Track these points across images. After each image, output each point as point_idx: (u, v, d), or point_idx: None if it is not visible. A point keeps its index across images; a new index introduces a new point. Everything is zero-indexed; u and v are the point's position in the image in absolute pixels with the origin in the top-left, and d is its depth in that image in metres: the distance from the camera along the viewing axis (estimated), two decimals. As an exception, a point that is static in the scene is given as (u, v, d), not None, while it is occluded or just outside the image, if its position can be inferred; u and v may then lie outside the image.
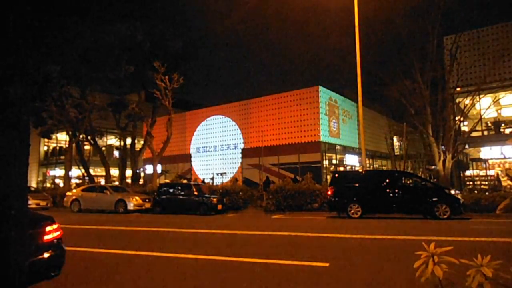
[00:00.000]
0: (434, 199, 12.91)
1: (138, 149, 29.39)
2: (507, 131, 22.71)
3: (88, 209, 18.86)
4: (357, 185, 14.33)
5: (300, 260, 5.89)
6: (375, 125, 33.03)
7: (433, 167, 24.69)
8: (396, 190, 13.50)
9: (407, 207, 13.42)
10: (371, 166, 32.59)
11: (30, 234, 3.66)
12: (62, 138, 37.60)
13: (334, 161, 28.75)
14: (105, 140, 35.99)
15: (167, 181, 25.40)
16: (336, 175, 15.63)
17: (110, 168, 27.70)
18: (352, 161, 30.25)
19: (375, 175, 16.64)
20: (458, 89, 20.65)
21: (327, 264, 5.59)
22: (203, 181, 26.33)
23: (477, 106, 21.90)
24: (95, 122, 27.87)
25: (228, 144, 31.17)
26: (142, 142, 30.50)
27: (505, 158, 22.72)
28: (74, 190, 21.11)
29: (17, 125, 1.81)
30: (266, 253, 6.71)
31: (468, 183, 24.11)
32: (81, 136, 27.25)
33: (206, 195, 17.02)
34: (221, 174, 27.84)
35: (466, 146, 22.36)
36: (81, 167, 29.12)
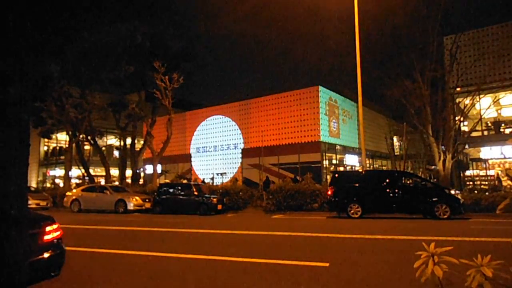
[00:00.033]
0: (434, 199, 12.91)
1: (138, 149, 29.39)
2: (507, 131, 22.71)
3: (88, 209, 18.86)
4: (357, 185, 14.33)
5: (300, 260, 5.89)
6: (375, 125, 33.02)
7: (433, 167, 24.70)
8: (396, 190, 13.50)
9: (407, 207, 13.42)
10: (371, 166, 32.59)
11: (30, 234, 3.66)
12: (62, 138, 37.59)
13: (334, 161, 28.74)
14: (105, 140, 35.98)
15: (167, 181, 25.40)
16: (336, 175, 15.64)
17: (110, 168, 27.70)
18: (352, 161, 30.25)
19: (375, 175, 16.65)
20: (458, 89, 20.65)
21: (327, 264, 5.59)
22: (203, 181, 26.33)
23: (477, 106, 21.90)
24: (95, 122, 27.87)
25: (228, 144, 31.17)
26: (142, 142, 30.50)
27: (505, 158, 22.72)
28: (74, 190, 21.11)
29: (17, 125, 1.81)
30: (266, 253, 6.71)
31: (468, 183, 24.10)
32: (81, 136, 27.25)
33: (206, 195, 17.02)
34: (221, 174, 27.84)
35: (466, 146, 22.36)
36: (81, 167, 29.12)
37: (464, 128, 23.66)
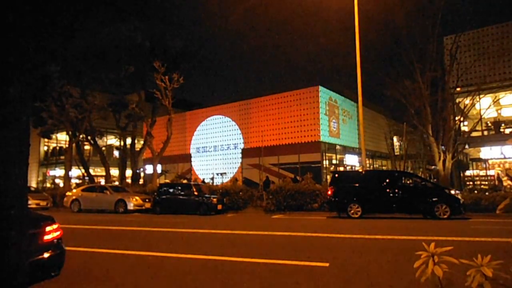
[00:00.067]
0: (434, 199, 12.91)
1: (138, 149, 29.39)
2: (507, 131, 22.71)
3: (88, 209, 18.86)
4: (357, 185, 14.33)
5: (300, 260, 5.89)
6: (375, 125, 33.03)
7: (433, 167, 24.69)
8: (396, 190, 13.50)
9: (407, 207, 13.42)
10: (371, 166, 32.59)
11: (30, 234, 3.66)
12: (62, 138, 37.59)
13: (334, 161, 28.75)
14: (105, 140, 35.98)
15: (167, 181, 25.40)
16: (336, 175, 15.63)
17: (110, 168, 27.70)
18: (352, 161, 30.25)
19: (375, 175, 16.64)
20: (458, 89, 20.66)
21: (327, 264, 5.59)
22: (203, 181, 26.34)
23: (477, 106, 21.90)
24: (95, 122, 27.87)
25: (228, 144, 31.18)
26: (142, 142, 30.50)
27: (505, 158, 22.72)
28: (74, 190, 21.12)
29: (17, 125, 1.81)
30: (266, 253, 6.71)
31: (468, 183, 24.11)
32: (81, 136, 27.25)
33: (206, 195, 17.02)
34: (221, 174, 27.85)
35: (466, 146, 22.37)
36: (81, 167, 29.13)
37: (464, 128, 23.66)
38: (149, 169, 31.30)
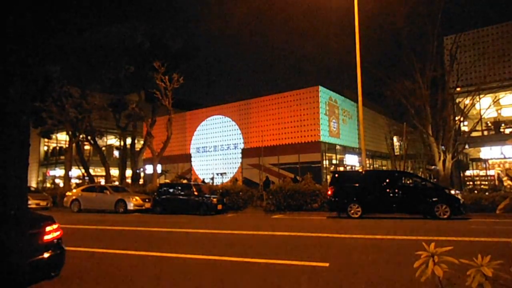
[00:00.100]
0: (434, 199, 12.91)
1: (138, 149, 29.38)
2: (507, 131, 22.71)
3: (88, 209, 18.86)
4: (357, 185, 14.32)
5: (300, 260, 5.89)
6: (375, 125, 33.02)
7: (433, 167, 24.69)
8: (396, 190, 13.50)
9: (407, 207, 13.42)
10: (371, 166, 32.59)
11: (30, 234, 3.66)
12: (62, 138, 37.60)
13: (334, 161, 28.74)
14: (105, 140, 35.98)
15: (167, 181, 25.40)
16: (336, 175, 15.63)
17: (110, 168, 27.70)
18: (352, 161, 30.25)
19: (375, 175, 16.64)
20: (458, 89, 20.65)
21: (327, 264, 5.59)
22: (203, 181, 26.34)
23: (477, 106, 21.90)
24: (95, 122, 27.87)
25: (228, 144, 31.18)
26: (142, 142, 30.49)
27: (505, 158, 22.72)
28: (74, 190, 21.11)
29: (17, 125, 1.81)
30: (266, 253, 6.71)
31: (468, 183, 24.10)
32: (81, 136, 27.25)
33: (206, 195, 17.02)
34: (221, 174, 27.84)
35: (466, 146, 22.36)
36: (81, 167, 29.13)
37: (464, 128, 23.66)
38: (149, 169, 31.30)
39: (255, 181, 26.47)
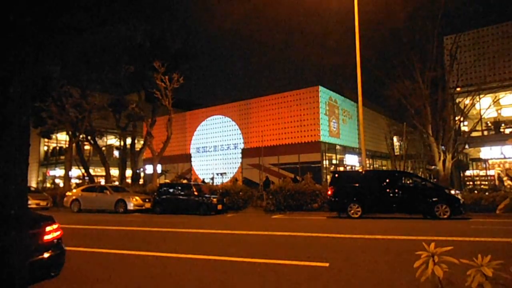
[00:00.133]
0: (434, 199, 12.91)
1: (138, 149, 29.37)
2: (507, 131, 22.72)
3: (88, 209, 18.86)
4: (357, 185, 14.32)
5: (300, 260, 5.89)
6: (375, 125, 33.02)
7: (433, 167, 24.69)
8: (396, 190, 13.50)
9: (407, 207, 13.42)
10: (371, 166, 32.59)
11: (30, 234, 3.66)
12: (62, 138, 37.60)
13: (334, 161, 28.74)
14: (105, 140, 35.99)
15: (167, 181, 25.40)
16: (336, 175, 15.63)
17: (110, 168, 27.70)
18: (352, 161, 30.25)
19: (375, 175, 16.64)
20: (458, 89, 20.66)
21: (327, 264, 5.59)
22: (203, 181, 26.34)
23: (477, 106, 21.90)
24: (95, 122, 27.87)
25: (228, 144, 31.18)
26: (142, 142, 30.50)
27: (505, 158, 22.72)
28: (74, 190, 21.11)
29: (17, 125, 1.81)
30: (266, 253, 6.71)
31: (468, 183, 24.11)
32: (81, 136, 27.25)
33: (206, 195, 17.02)
34: (221, 174, 27.85)
35: (466, 146, 22.36)
36: (81, 167, 29.13)
37: (464, 128, 23.66)
38: (149, 169, 31.30)
39: (255, 181, 26.47)
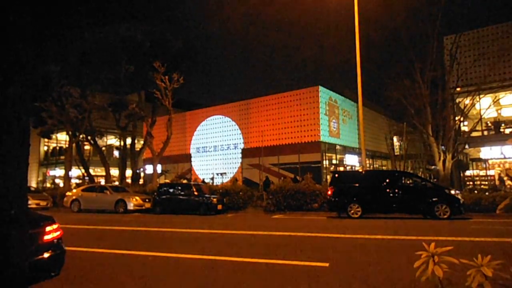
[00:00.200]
0: (434, 199, 12.91)
1: (138, 149, 29.37)
2: (507, 131, 22.72)
3: (88, 209, 18.86)
4: (357, 185, 14.32)
5: (300, 260, 5.89)
6: (375, 125, 33.03)
7: (433, 167, 24.71)
8: (396, 190, 13.50)
9: (407, 207, 13.42)
10: (371, 166, 32.60)
11: (30, 234, 3.66)
12: (62, 138, 37.60)
13: (334, 161, 28.75)
14: (105, 140, 35.99)
15: (167, 181, 25.40)
16: (336, 175, 15.62)
17: (110, 168, 27.70)
18: (352, 161, 30.25)
19: (375, 175, 16.64)
20: (458, 89, 20.66)
21: (327, 264, 5.59)
22: (203, 181, 26.34)
23: (477, 106, 21.90)
24: (95, 122, 27.87)
25: (228, 144, 31.18)
26: (142, 142, 30.50)
27: (505, 158, 22.72)
28: (74, 190, 21.11)
29: (17, 125, 1.81)
30: (266, 253, 6.71)
31: (468, 183, 24.11)
32: (81, 136, 27.25)
33: (206, 195, 17.02)
34: (221, 174, 27.85)
35: (466, 146, 22.37)
36: (81, 167, 29.13)
37: (464, 128, 23.67)
38: (149, 169, 31.31)
39: (255, 181, 26.48)
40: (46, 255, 3.95)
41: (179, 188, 18.03)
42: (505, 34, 21.40)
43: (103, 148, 30.70)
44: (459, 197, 13.34)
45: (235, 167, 30.30)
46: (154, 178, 24.96)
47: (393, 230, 9.85)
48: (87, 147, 34.26)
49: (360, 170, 18.75)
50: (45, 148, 40.41)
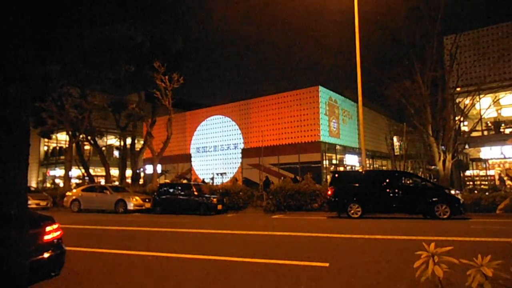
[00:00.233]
0: (434, 199, 12.91)
1: (138, 149, 29.37)
2: (507, 131, 22.71)
3: (88, 209, 18.86)
4: (357, 185, 14.32)
5: (300, 260, 5.89)
6: (375, 125, 33.03)
7: (433, 167, 24.71)
8: (396, 190, 13.50)
9: (407, 207, 13.42)
10: (371, 166, 32.59)
11: (30, 234, 3.66)
12: (62, 138, 37.61)
13: (334, 161, 28.75)
14: (105, 140, 35.99)
15: (167, 181, 25.40)
16: (336, 175, 15.62)
17: (110, 168, 27.71)
18: (352, 161, 30.25)
19: (375, 175, 16.64)
20: (458, 89, 20.66)
21: (327, 264, 5.59)
22: (203, 181, 26.34)
23: (477, 106, 21.90)
24: (95, 122, 27.88)
25: (228, 144, 31.17)
26: (142, 142, 30.50)
27: (505, 158, 22.72)
28: (74, 190, 21.11)
29: (17, 125, 1.81)
30: (266, 253, 6.71)
31: (468, 183, 24.11)
32: (81, 136, 27.25)
33: (206, 195, 17.02)
34: (221, 174, 27.85)
35: (466, 146, 22.37)
36: (81, 167, 29.13)
37: (464, 128, 23.67)
38: (149, 169, 31.30)
39: (255, 181, 26.47)
40: (46, 255, 3.95)
41: (179, 188, 18.03)
42: (505, 34, 21.40)
43: (103, 148, 30.70)
44: (459, 197, 13.35)
45: (235, 167, 30.30)
46: (154, 178, 24.96)
47: (393, 230, 9.85)
48: (87, 147, 34.26)
49: (360, 170, 18.75)
50: (45, 148, 40.41)
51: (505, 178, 20.05)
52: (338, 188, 14.35)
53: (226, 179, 27.12)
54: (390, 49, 20.45)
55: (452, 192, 13.84)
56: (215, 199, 16.65)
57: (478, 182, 23.75)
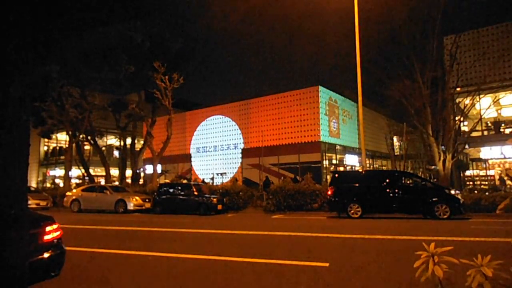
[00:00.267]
0: (434, 199, 12.91)
1: (138, 149, 29.35)
2: (507, 131, 22.71)
3: (88, 209, 18.86)
4: (357, 185, 14.32)
5: (300, 260, 5.89)
6: (375, 125, 33.02)
7: (433, 167, 24.69)
8: (396, 190, 13.50)
9: (407, 207, 13.42)
10: (371, 166, 32.59)
11: (30, 234, 3.66)
12: (62, 138, 37.60)
13: (334, 161, 28.74)
14: (105, 140, 35.98)
15: (167, 181, 25.40)
16: (336, 175, 15.62)
17: (110, 168, 27.70)
18: (352, 161, 30.25)
19: (375, 175, 16.64)
20: (458, 89, 20.66)
21: (327, 264, 5.59)
22: (203, 181, 26.34)
23: (477, 106, 21.90)
24: (95, 122, 27.86)
25: (228, 144, 31.17)
26: (142, 142, 30.49)
27: (505, 158, 22.72)
28: (74, 190, 21.11)
29: (17, 125, 1.81)
30: (266, 253, 6.71)
31: (468, 183, 24.11)
32: (81, 136, 27.25)
33: (206, 195, 17.02)
34: (221, 174, 27.85)
35: (466, 146, 22.36)
36: (81, 167, 29.13)
37: (464, 128, 23.66)
38: (149, 169, 31.29)
39: (255, 181, 26.47)
40: (46, 255, 3.95)
41: (179, 188, 18.03)
42: (505, 34, 21.39)
43: (103, 148, 30.70)
44: (459, 197, 13.35)
45: (235, 167, 30.30)
46: (154, 178, 24.95)
47: (393, 230, 9.85)
48: (87, 147, 34.26)
49: (360, 170, 18.75)
50: (45, 148, 40.41)
51: (505, 178, 20.05)
52: (338, 188, 14.35)
53: (226, 179, 27.12)
54: (390, 49, 20.45)
55: (452, 192, 13.84)
56: (215, 199, 16.65)
57: (478, 182, 23.76)
